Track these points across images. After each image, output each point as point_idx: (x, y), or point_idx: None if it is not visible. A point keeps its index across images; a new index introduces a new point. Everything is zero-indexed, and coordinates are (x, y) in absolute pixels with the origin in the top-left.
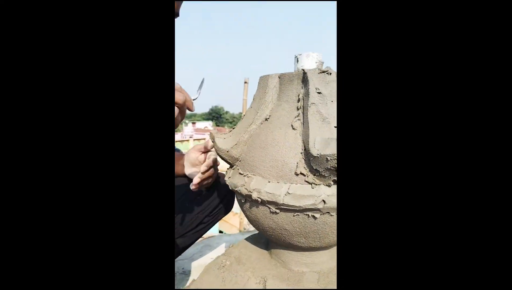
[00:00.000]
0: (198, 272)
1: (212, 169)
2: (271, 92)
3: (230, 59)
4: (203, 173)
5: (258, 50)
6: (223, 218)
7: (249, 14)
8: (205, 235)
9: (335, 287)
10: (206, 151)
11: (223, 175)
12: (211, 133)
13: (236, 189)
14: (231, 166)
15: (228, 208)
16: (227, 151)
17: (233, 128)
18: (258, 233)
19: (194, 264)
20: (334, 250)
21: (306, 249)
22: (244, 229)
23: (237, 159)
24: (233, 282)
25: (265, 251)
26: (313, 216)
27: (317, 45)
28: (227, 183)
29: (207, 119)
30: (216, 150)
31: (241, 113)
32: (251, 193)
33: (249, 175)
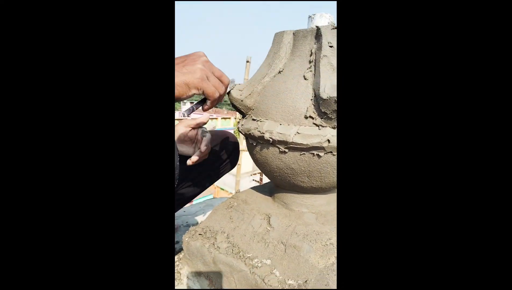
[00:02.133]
0: None
1: (209, 146)
2: (285, 48)
3: (230, 38)
4: (202, 152)
5: (261, 29)
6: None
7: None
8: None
9: (331, 225)
10: (197, 127)
11: (232, 135)
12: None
13: (249, 132)
14: (244, 116)
15: (233, 164)
16: (241, 101)
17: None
18: (262, 185)
19: (197, 218)
20: (331, 196)
21: (307, 190)
22: None
23: (250, 108)
24: (239, 219)
25: (269, 197)
26: (318, 155)
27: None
28: (240, 129)
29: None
30: (230, 100)
31: None
32: (263, 134)
33: (262, 119)
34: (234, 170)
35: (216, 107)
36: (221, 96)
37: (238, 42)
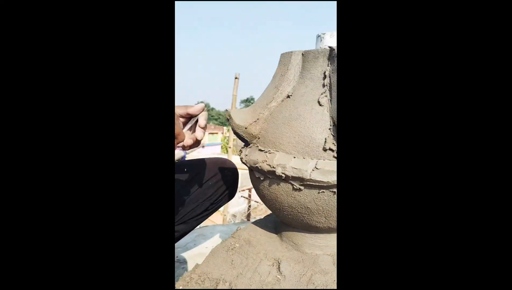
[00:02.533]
0: (193, 261)
1: (195, 138)
2: (293, 69)
3: (217, 54)
4: (187, 146)
5: (248, 45)
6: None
7: (239, 8)
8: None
9: None
10: (188, 117)
11: (229, 161)
12: (226, 110)
13: (255, 165)
14: (247, 144)
15: (231, 195)
16: (246, 128)
17: (250, 105)
18: (264, 218)
19: (189, 253)
20: None
21: (322, 231)
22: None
23: (255, 137)
24: (243, 265)
25: (274, 235)
26: None
27: (306, 43)
28: (243, 161)
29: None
30: (232, 127)
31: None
32: (274, 169)
33: (271, 151)
34: None
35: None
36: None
37: (226, 58)
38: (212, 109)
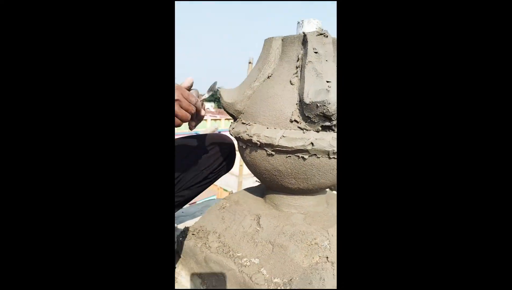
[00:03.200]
0: None
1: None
2: (274, 53)
3: (232, 39)
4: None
5: (262, 29)
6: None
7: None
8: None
9: (318, 226)
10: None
11: (227, 136)
12: (218, 89)
13: (238, 135)
14: (235, 119)
15: (229, 166)
16: (232, 105)
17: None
18: (256, 186)
19: (195, 220)
20: (320, 197)
21: (295, 192)
22: None
23: (240, 112)
24: (231, 220)
25: (260, 198)
26: (303, 157)
27: (319, 13)
28: (230, 132)
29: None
30: (222, 105)
31: None
32: (251, 138)
33: (251, 123)
34: (236, 171)
35: (219, 107)
36: (193, 115)
37: (240, 42)
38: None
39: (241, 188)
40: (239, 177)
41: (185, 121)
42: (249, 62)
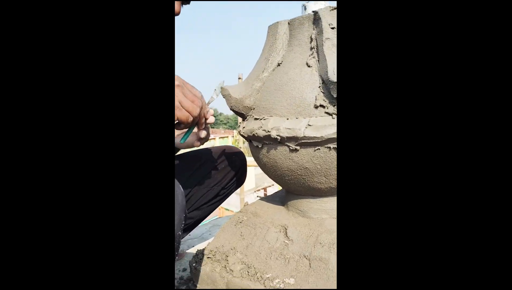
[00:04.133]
0: None
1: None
2: (281, 39)
3: (222, 57)
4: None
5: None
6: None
7: (241, 10)
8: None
9: None
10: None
11: (235, 148)
12: (223, 88)
13: (252, 133)
14: (244, 118)
15: (240, 182)
16: (241, 101)
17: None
18: (271, 195)
19: (204, 244)
20: None
21: (325, 192)
22: None
23: (250, 108)
24: (252, 235)
25: (281, 206)
26: (335, 148)
27: None
28: (241, 133)
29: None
30: (228, 103)
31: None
32: (269, 133)
33: (266, 117)
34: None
35: (213, 127)
36: (196, 118)
37: (229, 59)
38: (220, 114)
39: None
40: (240, 194)
41: (185, 122)
42: (239, 78)
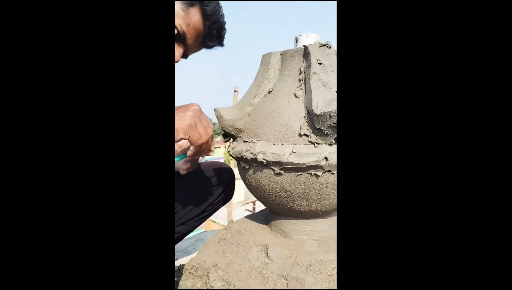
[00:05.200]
0: None
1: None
2: (273, 68)
3: (217, 68)
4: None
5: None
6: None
7: (237, 20)
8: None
9: (335, 253)
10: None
11: (224, 163)
12: (216, 109)
13: (240, 155)
14: (234, 139)
15: (228, 197)
16: (232, 123)
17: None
18: (257, 213)
19: (188, 258)
20: (333, 219)
21: (306, 215)
22: None
23: (241, 131)
24: (234, 253)
25: (264, 225)
26: (316, 175)
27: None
28: (230, 153)
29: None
30: (221, 124)
31: None
32: (256, 156)
33: (254, 140)
34: None
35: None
36: (204, 144)
37: (225, 71)
38: (214, 124)
39: (231, 218)
40: (228, 207)
41: (194, 143)
42: (235, 91)
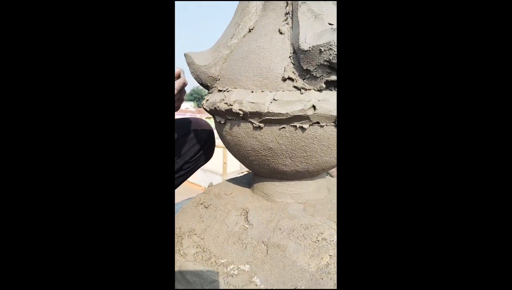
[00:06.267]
0: None
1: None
2: (255, 2)
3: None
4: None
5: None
6: None
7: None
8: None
9: (322, 217)
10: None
11: (203, 121)
12: (186, 54)
13: (214, 106)
14: (209, 90)
15: (208, 156)
16: (205, 70)
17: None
18: (241, 176)
19: None
20: (320, 182)
21: (291, 176)
22: None
23: (216, 79)
24: (211, 218)
25: (247, 189)
26: (301, 128)
27: None
28: (204, 106)
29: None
30: (193, 72)
31: None
32: (231, 107)
33: (229, 89)
34: (220, 170)
35: (199, 106)
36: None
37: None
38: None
39: (211, 182)
40: (223, 175)
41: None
42: None
